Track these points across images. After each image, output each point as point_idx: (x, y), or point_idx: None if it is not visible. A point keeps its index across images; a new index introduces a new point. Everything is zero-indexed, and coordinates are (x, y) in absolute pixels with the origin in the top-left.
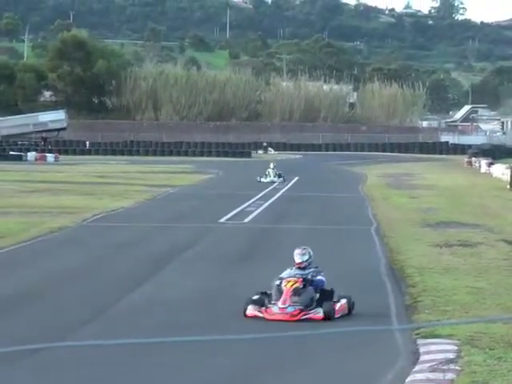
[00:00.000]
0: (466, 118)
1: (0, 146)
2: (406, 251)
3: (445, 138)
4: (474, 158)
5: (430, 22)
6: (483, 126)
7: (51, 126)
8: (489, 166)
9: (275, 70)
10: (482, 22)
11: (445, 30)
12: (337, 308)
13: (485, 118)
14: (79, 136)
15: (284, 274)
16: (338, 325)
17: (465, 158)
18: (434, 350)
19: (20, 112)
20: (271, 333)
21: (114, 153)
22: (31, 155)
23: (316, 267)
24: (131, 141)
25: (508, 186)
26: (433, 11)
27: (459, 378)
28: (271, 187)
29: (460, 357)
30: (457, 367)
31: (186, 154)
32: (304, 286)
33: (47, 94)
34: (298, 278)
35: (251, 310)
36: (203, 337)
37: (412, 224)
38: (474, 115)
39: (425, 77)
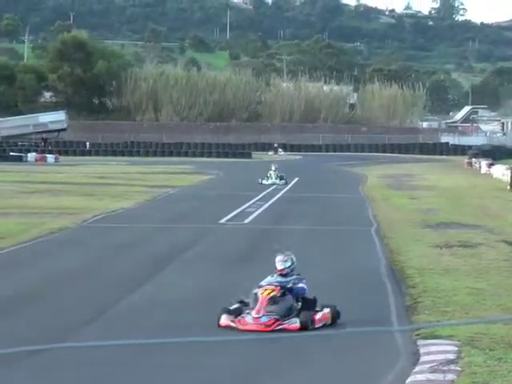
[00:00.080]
0: (466, 119)
1: (0, 147)
2: (406, 252)
3: (445, 138)
4: (474, 159)
5: (430, 23)
6: (483, 126)
7: (51, 126)
8: (489, 167)
9: (275, 71)
10: (482, 23)
11: (445, 31)
12: (317, 317)
13: (485, 118)
14: (79, 137)
15: (264, 282)
16: (337, 325)
17: (465, 159)
18: (435, 350)
19: (20, 113)
20: (271, 333)
21: (114, 153)
22: (31, 156)
23: (298, 274)
24: (131, 141)
25: (508, 187)
26: (433, 12)
27: (459, 379)
28: (271, 188)
29: (460, 358)
30: (457, 368)
31: (186, 154)
32: (283, 295)
33: (47, 94)
34: (276, 286)
35: (224, 320)
36: (203, 337)
37: (412, 225)
38: (474, 116)
39: (425, 77)
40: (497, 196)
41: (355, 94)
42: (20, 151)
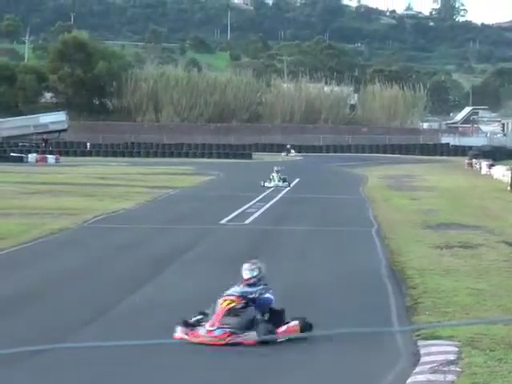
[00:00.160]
0: (466, 120)
1: (1, 148)
2: (406, 253)
3: (445, 139)
4: (474, 160)
5: (431, 24)
6: (484, 127)
7: (52, 127)
8: (489, 168)
9: (276, 72)
10: (482, 24)
11: (446, 32)
12: (281, 330)
13: (485, 119)
14: (80, 137)
15: (228, 292)
16: (337, 326)
17: (465, 160)
18: (435, 351)
19: (21, 113)
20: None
21: (114, 154)
22: (32, 157)
23: (265, 284)
24: (132, 142)
25: (508, 188)
26: (434, 13)
27: (460, 380)
28: (272, 189)
29: (460, 358)
30: (457, 369)
31: (186, 155)
32: (245, 306)
33: (48, 95)
34: (238, 296)
35: (178, 333)
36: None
37: (413, 226)
38: (474, 117)
39: (425, 78)
40: (497, 197)
41: (356, 95)
42: (21, 152)
